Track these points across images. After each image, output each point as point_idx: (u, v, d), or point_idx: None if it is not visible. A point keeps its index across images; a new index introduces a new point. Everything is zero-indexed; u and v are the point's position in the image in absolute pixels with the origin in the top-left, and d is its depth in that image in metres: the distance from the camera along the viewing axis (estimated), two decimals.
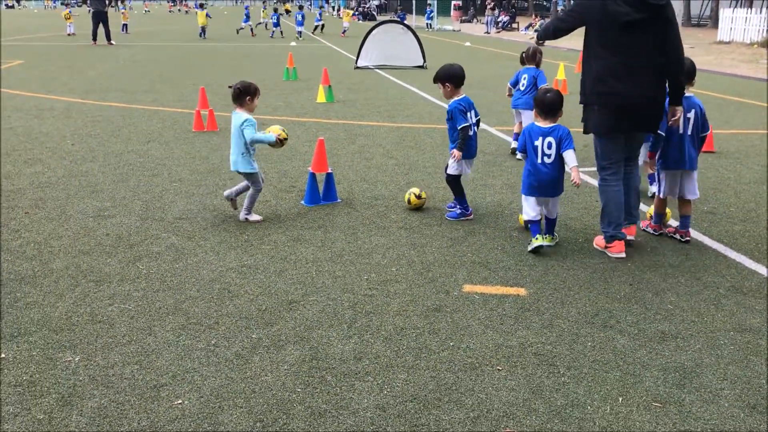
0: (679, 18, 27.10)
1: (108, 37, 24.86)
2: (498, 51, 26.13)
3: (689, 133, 5.29)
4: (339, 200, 6.39)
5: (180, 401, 3.24)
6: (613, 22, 4.79)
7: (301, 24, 32.73)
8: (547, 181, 5.08)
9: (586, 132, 5.18)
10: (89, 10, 25.00)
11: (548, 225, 5.34)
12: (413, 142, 9.06)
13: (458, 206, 5.97)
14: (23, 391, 3.30)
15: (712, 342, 3.88)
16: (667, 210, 5.71)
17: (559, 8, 52.87)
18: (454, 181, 5.90)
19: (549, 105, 5.03)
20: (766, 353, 3.76)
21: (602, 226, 5.23)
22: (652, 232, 5.66)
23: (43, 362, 3.57)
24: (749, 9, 29.60)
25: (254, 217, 5.81)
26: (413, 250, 5.22)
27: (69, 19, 31.71)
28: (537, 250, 5.15)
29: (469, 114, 5.74)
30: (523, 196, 5.22)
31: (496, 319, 4.12)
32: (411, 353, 3.71)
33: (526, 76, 8.22)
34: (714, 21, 35.59)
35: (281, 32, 33.31)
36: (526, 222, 5.35)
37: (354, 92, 13.63)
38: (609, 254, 5.18)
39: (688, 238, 5.45)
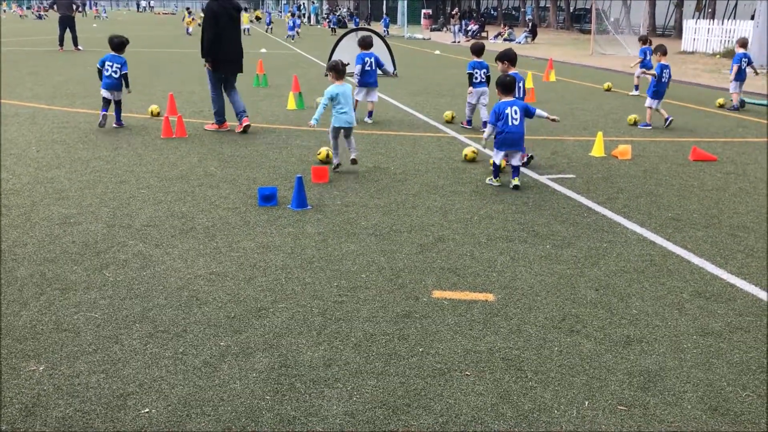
0: (644, 28, 27.67)
1: (75, 43, 24.52)
2: (466, 59, 26.32)
3: (521, 96, 7.87)
4: (309, 207, 6.38)
5: (147, 410, 3.21)
6: (228, 18, 9.65)
7: (291, 29, 37.53)
8: (517, 138, 7.12)
9: (211, 71, 9.87)
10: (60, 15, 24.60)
11: (515, 171, 7.27)
12: (384, 149, 9.09)
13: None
14: None
15: (675, 346, 3.96)
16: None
17: (528, 17, 53.56)
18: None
19: (509, 84, 7.22)
20: (728, 357, 3.85)
21: (216, 117, 10.09)
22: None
23: (6, 372, 3.51)
24: (711, 20, 30.28)
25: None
26: (383, 256, 5.24)
27: (191, 23, 38.04)
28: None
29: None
30: (496, 150, 7.27)
31: (465, 324, 4.15)
32: (380, 359, 3.72)
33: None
34: (678, 31, 36.32)
35: (297, 33, 37.88)
36: (496, 165, 7.32)
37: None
38: (218, 130, 10.06)
39: (531, 155, 8.31)
